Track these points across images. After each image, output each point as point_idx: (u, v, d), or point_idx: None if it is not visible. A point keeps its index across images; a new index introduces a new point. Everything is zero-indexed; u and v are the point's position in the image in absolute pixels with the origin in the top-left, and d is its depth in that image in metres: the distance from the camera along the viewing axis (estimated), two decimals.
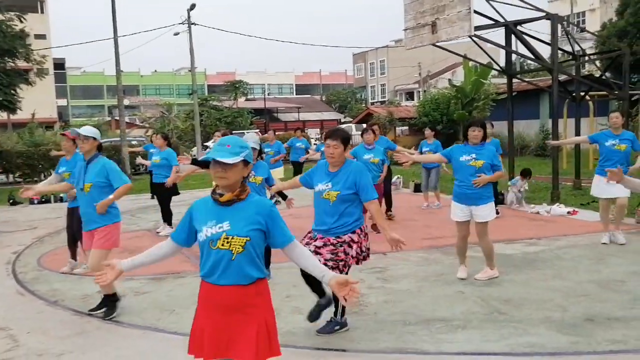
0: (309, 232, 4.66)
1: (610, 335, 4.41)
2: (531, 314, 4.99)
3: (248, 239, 2.72)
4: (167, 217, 9.50)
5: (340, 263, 4.42)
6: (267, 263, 6.20)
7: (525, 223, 9.49)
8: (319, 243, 4.40)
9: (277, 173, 12.88)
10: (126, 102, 35.16)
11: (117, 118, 26.75)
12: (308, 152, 14.26)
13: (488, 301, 5.43)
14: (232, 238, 2.72)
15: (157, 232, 9.58)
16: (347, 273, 4.42)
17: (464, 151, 6.07)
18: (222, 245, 2.73)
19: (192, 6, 28.72)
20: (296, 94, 78.52)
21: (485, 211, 6.05)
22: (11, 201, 14.97)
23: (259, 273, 2.80)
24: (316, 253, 4.34)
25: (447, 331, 4.70)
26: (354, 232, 4.48)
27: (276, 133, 22.90)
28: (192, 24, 28.99)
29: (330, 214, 4.41)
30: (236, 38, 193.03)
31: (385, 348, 4.43)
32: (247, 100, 57.36)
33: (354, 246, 4.49)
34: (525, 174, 10.93)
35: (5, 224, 11.44)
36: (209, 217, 2.79)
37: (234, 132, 27.86)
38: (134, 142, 26.08)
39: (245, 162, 2.77)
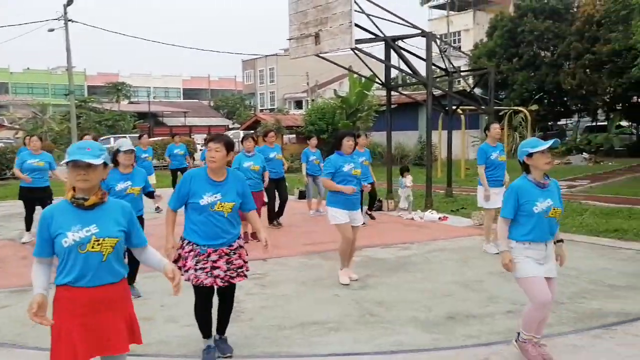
0: (190, 250, 4.30)
1: (467, 331, 4.77)
2: (400, 315, 5.28)
3: (118, 239, 2.88)
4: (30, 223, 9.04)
5: (239, 270, 4.40)
6: (133, 277, 6.02)
7: (400, 228, 9.99)
8: (214, 257, 4.31)
9: (150, 179, 12.56)
10: None
11: None
12: (188, 159, 13.97)
13: (361, 303, 5.65)
14: (103, 240, 2.84)
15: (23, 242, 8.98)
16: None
17: (344, 161, 6.33)
18: (93, 247, 2.82)
19: (69, 1, 27.14)
20: (183, 99, 76.71)
21: (360, 215, 6.45)
22: None
23: (125, 269, 3.02)
24: (213, 268, 4.28)
25: (321, 334, 4.84)
26: (239, 238, 4.49)
27: (161, 138, 22.15)
28: (69, 20, 27.39)
29: (226, 226, 4.34)
30: (120, 38, 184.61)
31: (260, 353, 4.48)
32: (130, 103, 55.20)
33: (243, 250, 4.52)
34: (403, 170, 11.49)
35: None
36: (72, 223, 2.82)
37: (115, 135, 26.69)
38: (0, 144, 24.17)
39: (105, 165, 2.88)
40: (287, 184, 10.66)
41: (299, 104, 62.94)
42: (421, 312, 5.33)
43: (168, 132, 41.56)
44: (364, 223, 10.01)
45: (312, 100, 41.09)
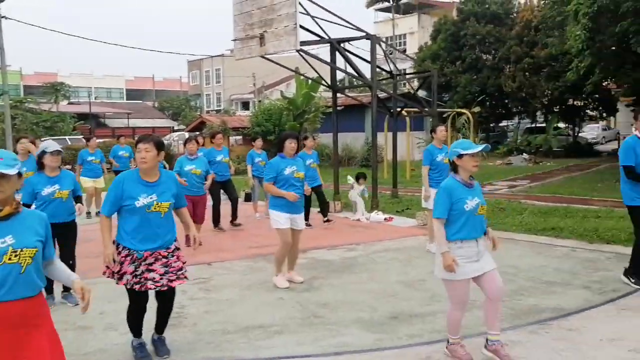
0: (126, 255, 4.19)
1: (410, 330, 4.84)
2: (344, 316, 5.30)
3: (36, 249, 2.73)
4: None
5: (179, 272, 4.32)
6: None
7: (346, 229, 10.06)
8: (150, 260, 4.21)
9: (99, 183, 12.19)
10: None
11: None
12: (132, 161, 13.62)
13: (306, 306, 5.65)
14: (21, 251, 2.68)
15: None
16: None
17: (286, 164, 6.28)
18: (10, 259, 2.65)
19: None
20: (127, 99, 74.84)
21: (303, 219, 6.46)
22: None
23: (43, 282, 2.84)
24: (150, 271, 4.19)
25: (265, 337, 4.81)
26: (175, 240, 4.42)
27: (104, 140, 21.52)
28: (3, 17, 26.23)
29: (163, 227, 4.26)
30: (59, 37, 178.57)
31: (202, 358, 4.41)
32: (70, 104, 53.40)
33: (180, 252, 4.44)
34: (359, 177, 11.44)
35: None
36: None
37: (53, 137, 25.73)
38: None
39: (19, 175, 2.75)
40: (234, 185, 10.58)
41: (245, 105, 62.50)
42: (365, 313, 5.37)
43: (110, 133, 40.48)
44: (310, 225, 10.10)
45: (259, 101, 40.90)
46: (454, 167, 4.16)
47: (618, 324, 4.88)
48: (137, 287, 4.17)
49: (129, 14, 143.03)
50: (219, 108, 65.48)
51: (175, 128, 50.07)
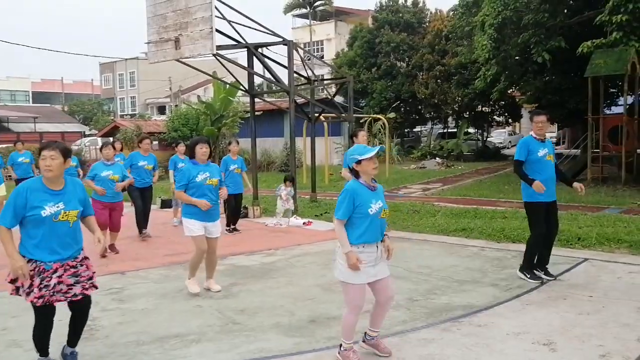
0: (33, 269, 3.96)
1: (328, 333, 4.89)
2: (263, 321, 5.27)
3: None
4: None
5: (88, 282, 4.14)
6: None
7: (265, 234, 10.03)
8: (60, 272, 3.99)
9: (1, 190, 11.42)
10: None
11: None
12: (34, 168, 12.90)
13: (224, 312, 5.57)
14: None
15: None
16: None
17: (198, 171, 6.13)
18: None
19: None
20: (33, 103, 70.80)
21: (220, 227, 6.38)
22: None
23: None
24: (58, 283, 3.99)
25: (181, 347, 4.70)
26: (82, 249, 4.23)
27: (6, 145, 20.23)
28: None
29: (71, 237, 4.06)
30: None
31: None
32: None
33: (89, 261, 4.26)
34: (287, 179, 11.22)
35: None
36: None
37: None
38: None
39: None
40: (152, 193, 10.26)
41: (161, 110, 60.94)
42: (284, 317, 5.37)
43: (15, 138, 38.13)
44: (238, 230, 9.95)
45: (176, 106, 39.97)
46: (355, 174, 4.19)
47: (522, 318, 5.17)
48: (41, 301, 3.95)
49: (35, 13, 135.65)
50: (133, 112, 63.40)
51: (87, 133, 47.94)
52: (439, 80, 30.47)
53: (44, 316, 4.04)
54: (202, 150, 6.16)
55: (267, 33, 11.90)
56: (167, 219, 11.31)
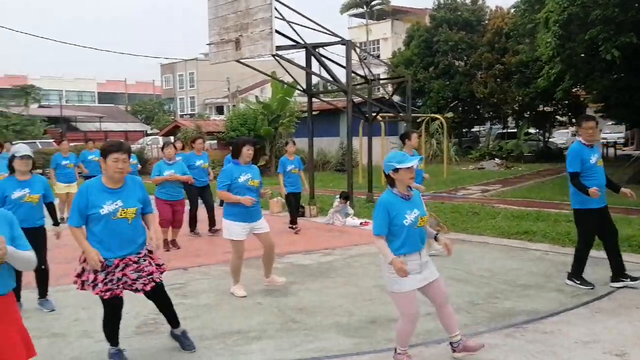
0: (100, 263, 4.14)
1: (388, 334, 4.85)
2: (322, 320, 5.29)
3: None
4: None
5: (148, 277, 4.27)
6: (45, 290, 5.80)
7: (322, 234, 10.05)
8: (121, 267, 4.16)
9: (72, 188, 11.93)
10: None
11: None
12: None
13: (284, 311, 5.63)
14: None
15: None
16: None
17: (240, 172, 6.12)
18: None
19: None
20: (98, 103, 73.74)
21: (265, 222, 6.35)
22: None
23: (14, 282, 3.02)
24: (123, 276, 4.16)
25: (242, 343, 4.77)
26: (146, 243, 4.37)
27: (75, 144, 21.20)
28: None
29: (131, 234, 4.21)
30: (30, 39, 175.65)
31: None
32: (40, 107, 52.38)
33: (154, 256, 4.40)
34: (342, 196, 11.21)
35: None
36: None
37: (25, 141, 25.22)
38: None
39: None
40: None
41: (219, 110, 62.19)
42: (343, 317, 5.37)
43: (82, 137, 39.84)
44: (297, 229, 10.03)
45: (234, 106, 40.72)
46: (391, 181, 4.08)
47: (592, 326, 4.97)
48: (108, 293, 4.12)
49: (101, 16, 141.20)
50: (192, 112, 65.00)
51: (148, 132, 49.50)
52: (498, 80, 29.73)
53: (112, 308, 4.20)
54: (248, 151, 6.15)
55: (326, 33, 11.94)
56: None
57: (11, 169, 5.50)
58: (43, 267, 5.61)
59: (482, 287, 6.29)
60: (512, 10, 28.06)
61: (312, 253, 8.38)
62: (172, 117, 53.86)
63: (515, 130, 31.95)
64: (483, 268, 7.16)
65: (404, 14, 52.38)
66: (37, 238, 5.53)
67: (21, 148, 5.58)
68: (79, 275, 4.23)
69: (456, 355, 4.27)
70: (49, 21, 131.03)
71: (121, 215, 4.14)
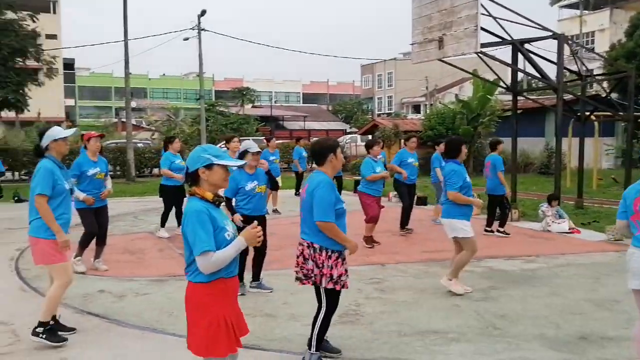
0: (337, 257, 4.23)
1: (602, 353, 4.46)
2: (526, 330, 5.05)
3: None
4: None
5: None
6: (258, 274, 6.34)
7: (524, 240, 9.53)
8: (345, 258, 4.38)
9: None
10: (133, 104, 35.37)
11: (124, 120, 26.89)
12: (308, 162, 14.40)
13: (484, 315, 5.48)
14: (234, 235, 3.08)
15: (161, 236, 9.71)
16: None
17: (463, 171, 6.25)
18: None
19: (203, 12, 28.94)
20: (303, 103, 78.80)
21: None
22: (16, 198, 15.11)
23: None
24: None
25: (441, 343, 4.76)
26: None
27: (282, 142, 23.02)
28: (202, 29, 29.19)
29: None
30: (245, 45, 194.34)
31: (380, 357, 4.48)
32: (253, 107, 57.65)
33: None
34: (550, 199, 10.50)
35: (10, 221, 11.55)
36: (222, 219, 3.04)
37: (241, 138, 28.05)
38: (139, 145, 26.26)
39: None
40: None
41: (416, 109, 62.29)
42: (549, 329, 5.05)
43: (288, 135, 42.98)
44: (493, 232, 9.71)
45: (431, 104, 40.48)
46: None
47: None
48: (346, 286, 4.28)
49: (306, 22, 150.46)
50: (389, 111, 66.05)
51: (348, 131, 51.53)
52: None
53: (337, 302, 4.34)
54: (465, 150, 6.24)
55: (535, 28, 11.27)
56: (422, 216, 11.52)
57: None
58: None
59: None
60: None
61: (514, 259, 8.01)
62: (370, 116, 55.37)
63: None
64: None
65: (625, 1, 47.05)
66: (264, 225, 6.17)
67: (252, 144, 6.24)
68: (334, 276, 4.22)
69: None
70: (262, 27, 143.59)
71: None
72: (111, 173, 10.30)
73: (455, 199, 6.08)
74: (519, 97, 13.61)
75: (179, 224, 9.56)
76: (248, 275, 6.36)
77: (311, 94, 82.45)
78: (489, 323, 5.26)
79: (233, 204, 6.04)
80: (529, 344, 4.72)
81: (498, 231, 9.73)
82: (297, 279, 4.35)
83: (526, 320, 5.32)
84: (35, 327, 4.68)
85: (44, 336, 4.65)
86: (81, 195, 6.76)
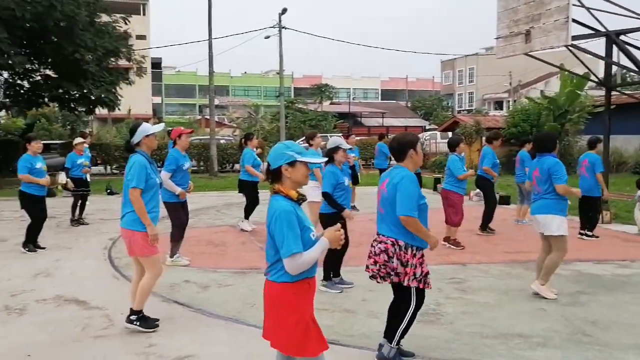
0: (421, 256, 4.18)
1: None
2: (620, 338, 4.77)
3: None
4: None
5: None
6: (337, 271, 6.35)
7: (617, 243, 9.01)
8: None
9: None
10: (216, 102, 36.55)
11: (208, 117, 27.83)
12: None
13: (572, 321, 5.23)
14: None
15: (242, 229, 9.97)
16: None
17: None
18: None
19: (284, 10, 29.39)
20: (381, 99, 78.36)
21: None
22: (108, 191, 16.02)
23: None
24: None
25: (526, 347, 4.59)
26: None
27: (360, 138, 23.09)
28: (283, 27, 29.65)
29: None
30: (323, 42, 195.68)
31: (460, 359, 4.38)
32: (331, 104, 57.96)
33: None
34: None
35: (103, 212, 12.26)
36: (306, 218, 3.02)
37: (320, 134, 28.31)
38: (222, 141, 27.08)
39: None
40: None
41: (498, 105, 60.41)
42: None
43: (366, 132, 42.87)
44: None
45: (514, 100, 39.07)
46: None
47: None
48: (422, 284, 4.17)
49: (385, 18, 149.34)
50: (470, 108, 64.46)
51: (427, 127, 50.75)
52: None
53: (423, 301, 4.26)
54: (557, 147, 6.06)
55: (633, 17, 10.59)
56: (505, 216, 11.16)
57: (330, 159, 6.20)
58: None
59: None
60: None
61: (605, 263, 7.58)
62: (450, 113, 54.23)
63: None
64: None
65: None
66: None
67: (343, 141, 6.42)
68: (420, 276, 4.15)
69: None
70: (340, 24, 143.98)
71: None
72: (195, 168, 10.71)
73: (566, 192, 5.82)
74: (612, 92, 12.86)
75: (247, 216, 9.84)
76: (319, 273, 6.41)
77: (390, 91, 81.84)
78: (578, 329, 5.01)
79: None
80: (624, 353, 4.45)
81: (586, 234, 9.24)
82: (372, 277, 4.29)
83: (620, 328, 5.03)
84: (129, 315, 4.95)
85: (137, 323, 4.92)
86: (177, 190, 7.05)
